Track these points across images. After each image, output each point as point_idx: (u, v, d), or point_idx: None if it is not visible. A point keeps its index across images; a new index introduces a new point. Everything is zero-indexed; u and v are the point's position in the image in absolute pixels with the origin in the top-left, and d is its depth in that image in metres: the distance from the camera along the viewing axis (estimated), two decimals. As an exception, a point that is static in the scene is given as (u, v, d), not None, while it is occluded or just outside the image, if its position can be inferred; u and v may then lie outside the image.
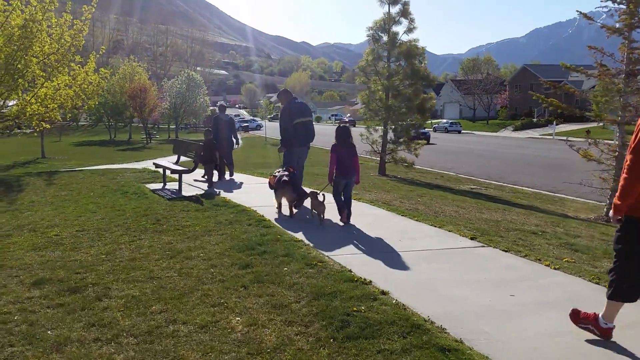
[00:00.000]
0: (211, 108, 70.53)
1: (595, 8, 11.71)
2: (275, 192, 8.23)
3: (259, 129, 76.53)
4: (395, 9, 19.36)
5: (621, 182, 3.60)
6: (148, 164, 27.63)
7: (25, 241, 6.45)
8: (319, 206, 7.43)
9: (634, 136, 3.56)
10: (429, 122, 75.39)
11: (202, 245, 6.04)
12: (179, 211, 8.12)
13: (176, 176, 10.43)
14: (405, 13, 19.09)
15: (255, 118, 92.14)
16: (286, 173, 8.11)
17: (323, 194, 7.52)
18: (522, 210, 10.47)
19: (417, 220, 7.38)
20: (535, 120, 57.19)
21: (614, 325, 3.79)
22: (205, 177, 11.74)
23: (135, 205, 8.64)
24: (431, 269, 5.15)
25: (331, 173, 7.52)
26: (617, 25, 11.15)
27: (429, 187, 15.31)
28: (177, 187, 10.51)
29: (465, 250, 5.84)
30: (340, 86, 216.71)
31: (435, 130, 59.68)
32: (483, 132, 56.96)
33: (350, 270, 4.97)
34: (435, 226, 7.02)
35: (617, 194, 3.63)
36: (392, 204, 9.02)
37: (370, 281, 4.65)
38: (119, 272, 5.11)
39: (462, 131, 57.82)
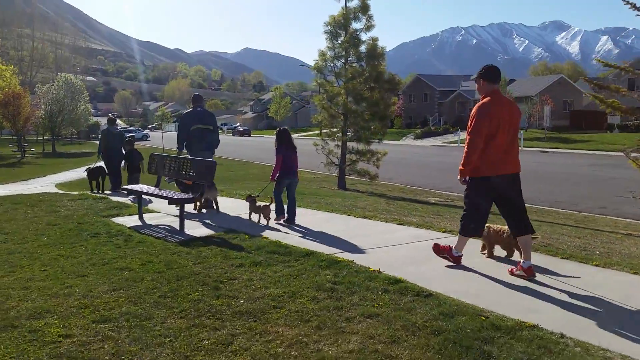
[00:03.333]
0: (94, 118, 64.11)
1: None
2: (190, 191, 8.44)
3: (146, 139, 70.89)
4: (353, 4, 17.33)
5: (464, 154, 4.94)
6: (43, 182, 23.05)
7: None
8: (264, 209, 7.55)
9: (470, 122, 4.95)
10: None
11: (379, 349, 3.37)
12: (225, 265, 5.25)
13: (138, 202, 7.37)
14: (364, 9, 17.10)
15: (139, 128, 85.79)
16: None
17: (271, 197, 7.81)
18: (589, 230, 8.74)
19: (581, 262, 5.29)
20: (433, 128, 58.22)
21: (462, 254, 5.31)
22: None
23: (141, 259, 5.59)
24: None
25: (275, 173, 7.70)
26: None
27: (416, 202, 13.31)
28: (163, 222, 7.48)
29: None
30: (221, 95, 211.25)
31: (337, 138, 58.53)
32: (385, 140, 56.80)
33: None
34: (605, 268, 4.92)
35: (461, 162, 4.96)
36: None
37: None
38: None
39: (364, 139, 57.33)
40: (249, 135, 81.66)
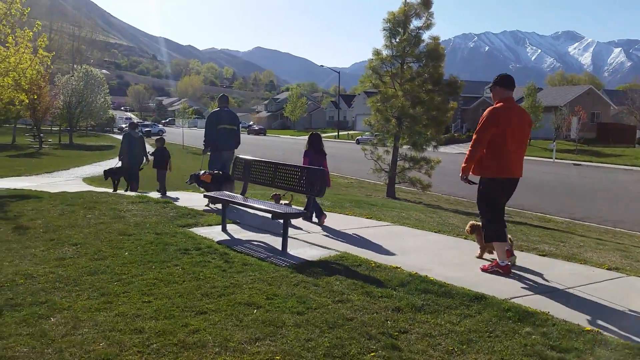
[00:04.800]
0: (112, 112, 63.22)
1: None
2: (212, 189, 8.34)
3: (161, 134, 70.02)
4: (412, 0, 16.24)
5: (468, 153, 5.24)
6: (69, 176, 22.05)
7: None
8: (287, 207, 7.26)
9: (479, 123, 5.22)
10: (346, 133, 73.27)
11: None
12: (378, 308, 4.13)
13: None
14: (426, 5, 16.01)
15: (155, 123, 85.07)
16: (219, 172, 8.70)
17: (292, 195, 7.92)
18: None
19: None
20: (456, 135, 56.97)
21: (509, 262, 5.26)
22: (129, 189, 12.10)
23: (263, 291, 4.48)
24: None
25: None
26: None
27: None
28: (252, 237, 6.39)
29: None
30: (232, 93, 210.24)
31: (358, 142, 57.42)
32: (406, 146, 55.48)
33: None
34: None
35: (465, 159, 5.25)
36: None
37: None
38: None
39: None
40: (264, 134, 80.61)
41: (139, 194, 10.38)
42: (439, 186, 20.01)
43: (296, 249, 6.03)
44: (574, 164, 38.00)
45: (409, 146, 17.02)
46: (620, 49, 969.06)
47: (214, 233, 6.70)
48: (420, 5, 15.91)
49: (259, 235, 6.85)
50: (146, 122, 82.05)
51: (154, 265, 5.20)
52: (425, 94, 15.84)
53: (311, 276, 4.95)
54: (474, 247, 6.23)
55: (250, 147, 42.35)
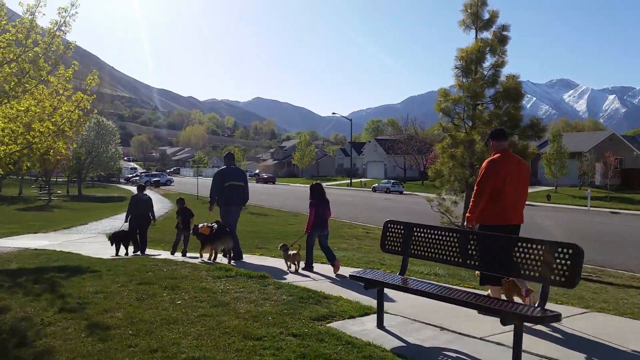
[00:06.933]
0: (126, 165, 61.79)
1: None
2: (208, 241, 9.04)
3: (170, 184, 68.27)
4: (484, 35, 14.67)
5: (471, 203, 5.48)
6: (90, 232, 20.01)
7: None
8: (294, 257, 8.01)
9: (479, 175, 5.44)
10: (359, 181, 71.67)
11: None
12: None
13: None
14: (503, 40, 14.42)
15: (162, 172, 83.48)
16: (215, 225, 9.04)
17: (299, 245, 8.27)
18: None
19: None
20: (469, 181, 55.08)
21: None
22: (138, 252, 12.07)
23: None
24: None
25: (310, 225, 8.17)
26: None
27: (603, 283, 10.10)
28: (432, 341, 4.37)
29: None
30: (234, 141, 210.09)
31: (375, 190, 55.54)
32: (424, 193, 53.53)
33: None
34: None
35: (469, 209, 5.48)
36: None
37: None
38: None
39: (404, 192, 54.21)
40: (274, 183, 78.88)
41: (219, 264, 8.30)
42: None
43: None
44: (612, 212, 36.09)
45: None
46: (614, 95, 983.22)
47: (373, 333, 4.66)
48: (493, 40, 14.32)
49: (433, 334, 4.80)
50: (154, 172, 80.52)
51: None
52: (503, 138, 14.04)
53: None
54: None
55: (263, 197, 40.23)
